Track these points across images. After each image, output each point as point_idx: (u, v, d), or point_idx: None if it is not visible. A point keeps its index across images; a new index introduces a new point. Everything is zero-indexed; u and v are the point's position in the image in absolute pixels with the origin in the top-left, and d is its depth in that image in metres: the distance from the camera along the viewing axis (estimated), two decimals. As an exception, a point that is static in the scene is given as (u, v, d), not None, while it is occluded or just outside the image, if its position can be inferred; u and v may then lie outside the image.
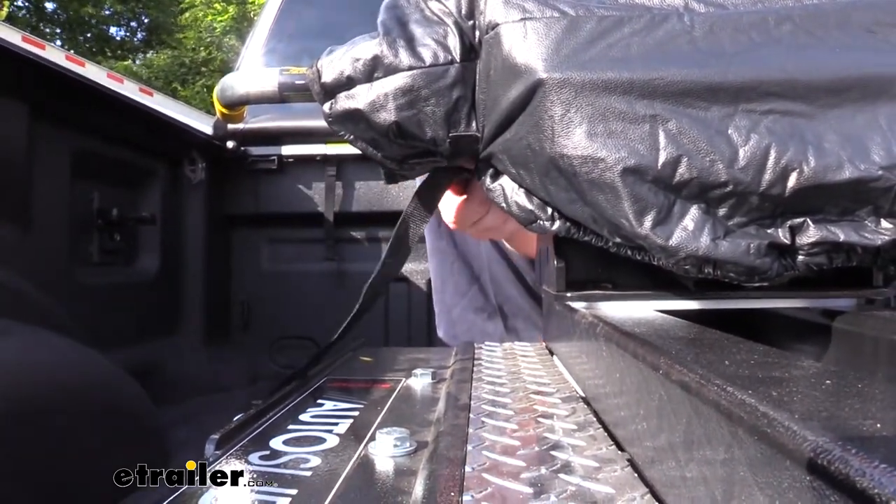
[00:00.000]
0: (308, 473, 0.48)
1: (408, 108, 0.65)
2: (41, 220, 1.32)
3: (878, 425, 0.22)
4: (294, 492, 0.45)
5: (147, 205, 1.73)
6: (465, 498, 0.39)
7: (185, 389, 1.78)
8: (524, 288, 1.30)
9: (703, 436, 0.31)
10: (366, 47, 0.67)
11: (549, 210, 0.66)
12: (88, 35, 15.62)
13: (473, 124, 0.66)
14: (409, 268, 2.06)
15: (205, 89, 13.58)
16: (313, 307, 2.03)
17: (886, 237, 0.58)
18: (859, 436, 0.21)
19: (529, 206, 0.66)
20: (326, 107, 0.68)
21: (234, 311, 2.15)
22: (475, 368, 0.83)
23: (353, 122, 0.68)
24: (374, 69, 0.66)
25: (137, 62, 15.05)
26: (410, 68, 0.65)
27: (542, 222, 0.66)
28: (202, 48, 14.28)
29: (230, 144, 1.99)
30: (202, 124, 2.02)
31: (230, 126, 1.91)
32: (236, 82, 0.76)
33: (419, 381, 0.79)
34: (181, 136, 1.82)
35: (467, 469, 0.44)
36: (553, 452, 0.48)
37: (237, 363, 2.06)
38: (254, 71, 0.76)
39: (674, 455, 0.36)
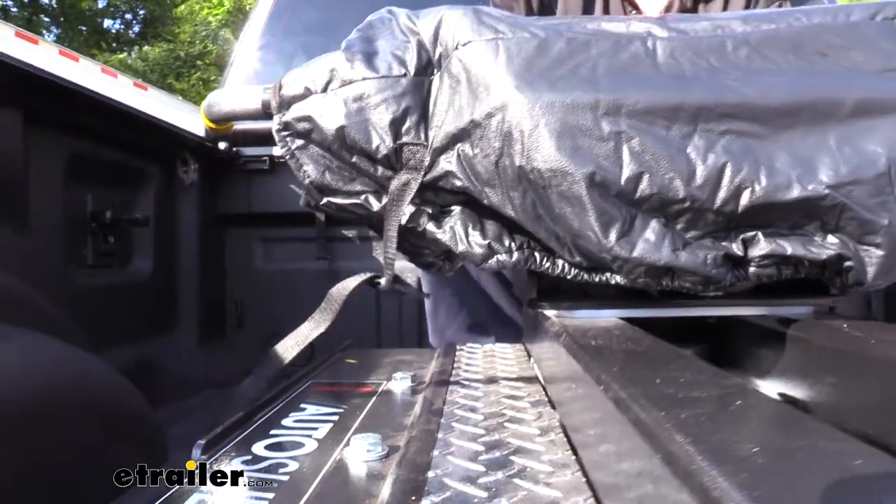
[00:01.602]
0: (285, 478, 0.52)
1: (356, 115, 0.67)
2: (36, 224, 1.35)
3: (755, 449, 0.26)
4: (271, 496, 0.48)
5: (140, 206, 1.76)
6: (425, 502, 0.42)
7: (182, 387, 1.81)
8: (514, 298, 1.34)
9: (631, 448, 0.34)
10: (325, 62, 0.70)
11: (507, 241, 0.69)
12: (83, 28, 15.58)
13: (422, 134, 0.68)
14: (399, 265, 2.09)
15: (200, 83, 13.56)
16: (307, 305, 2.06)
17: (831, 251, 0.62)
18: (732, 457, 0.24)
19: (486, 241, 0.69)
20: (278, 117, 0.71)
21: (229, 309, 2.18)
22: (454, 371, 0.86)
23: (300, 130, 0.70)
24: (330, 81, 0.69)
25: (133, 55, 15.02)
26: (364, 78, 0.68)
27: (499, 256, 0.69)
28: (198, 41, 14.25)
29: (222, 146, 2.01)
30: (194, 125, 2.05)
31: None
32: (222, 99, 0.79)
33: (399, 385, 0.82)
34: (173, 137, 1.84)
35: (431, 474, 0.47)
36: (513, 457, 0.51)
37: (232, 361, 2.09)
38: (239, 89, 0.79)
39: (612, 462, 0.39)
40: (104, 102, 1.49)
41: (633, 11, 1.32)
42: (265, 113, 0.76)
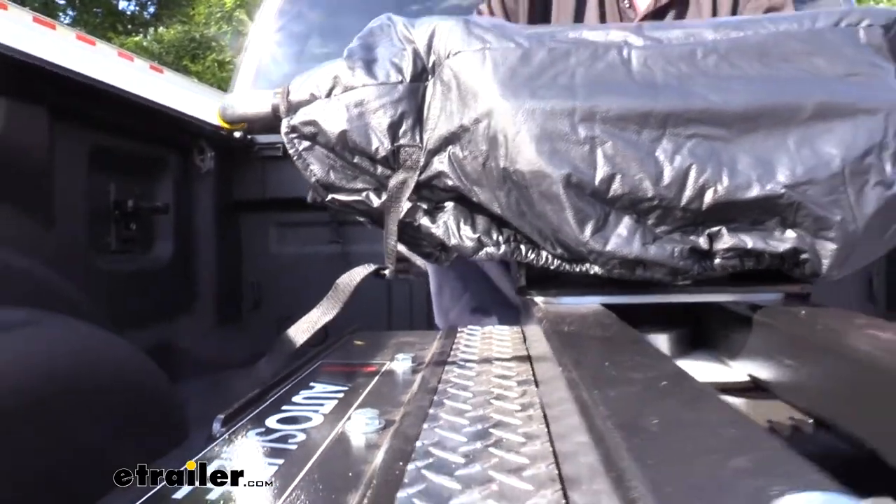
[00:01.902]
0: (294, 447, 0.59)
1: (357, 119, 0.74)
2: (63, 213, 1.44)
3: (655, 421, 0.32)
4: (281, 461, 0.56)
5: (160, 194, 1.84)
6: (410, 466, 0.49)
7: (200, 367, 1.91)
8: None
9: (576, 424, 0.41)
10: (328, 69, 0.77)
11: (496, 235, 0.75)
12: (98, 10, 15.67)
13: (418, 137, 0.74)
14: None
15: (215, 64, 13.66)
16: (320, 287, 2.14)
17: (789, 245, 0.67)
18: (635, 428, 0.31)
19: (476, 234, 0.75)
20: (286, 120, 0.77)
21: (245, 292, 2.27)
22: (452, 353, 0.93)
23: (307, 133, 0.77)
24: (333, 87, 0.76)
25: (148, 37, 15.12)
26: (364, 85, 0.74)
27: (488, 249, 0.75)
28: (212, 23, 14.31)
29: (237, 134, 2.09)
30: (209, 114, 2.12)
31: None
32: (236, 103, 0.86)
33: (401, 365, 0.89)
34: (190, 127, 1.91)
35: (418, 444, 0.54)
36: (492, 430, 0.58)
37: (248, 341, 2.18)
38: (250, 93, 0.85)
39: (571, 434, 0.46)
40: (123, 97, 1.56)
41: (626, 2, 1.36)
42: (275, 116, 0.83)
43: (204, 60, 14.01)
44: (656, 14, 1.34)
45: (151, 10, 16.95)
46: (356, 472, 0.52)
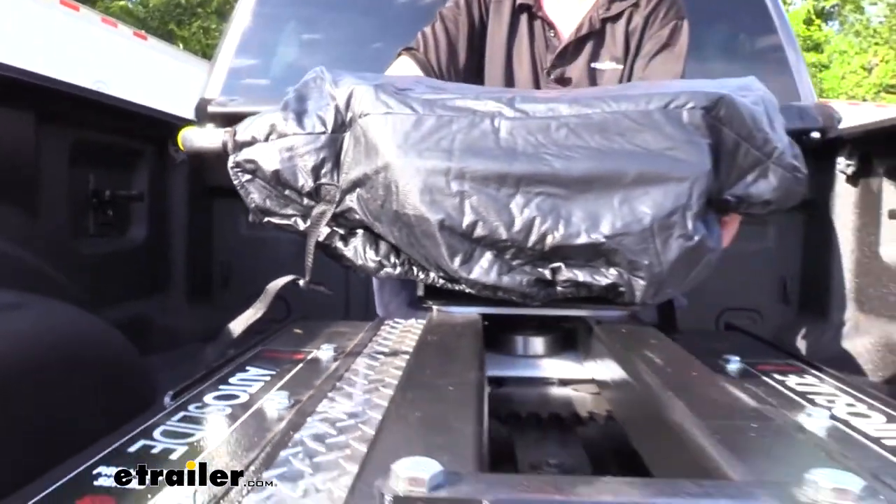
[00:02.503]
0: (221, 417, 0.80)
1: (287, 161, 0.94)
2: (46, 203, 1.61)
3: (419, 415, 0.53)
4: (205, 428, 0.76)
5: (136, 182, 2.02)
6: (297, 435, 0.70)
7: (172, 340, 2.10)
8: None
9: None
10: (267, 118, 0.96)
11: (393, 259, 0.96)
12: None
13: (335, 178, 0.94)
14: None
15: (201, 31, 13.61)
16: (283, 267, 2.33)
17: (610, 280, 0.89)
18: (398, 421, 0.52)
19: (378, 258, 0.96)
20: (232, 157, 0.97)
21: (215, 271, 2.45)
22: (369, 345, 1.14)
23: (248, 168, 0.97)
24: (270, 133, 0.95)
25: (133, 1, 14.97)
26: (295, 134, 0.94)
27: (387, 269, 0.96)
28: (199, -12, 14.21)
29: (210, 127, 2.25)
30: (184, 110, 2.28)
31: None
32: (194, 136, 1.05)
33: (324, 354, 1.09)
34: (164, 122, 2.08)
35: (309, 419, 0.75)
36: (369, 411, 0.79)
37: (217, 316, 2.37)
38: (205, 130, 1.04)
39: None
40: (103, 102, 1.73)
41: (552, 32, 1.54)
42: (224, 151, 1.02)
43: (190, 26, 13.93)
44: (578, 42, 1.52)
45: (137, -30, 16.70)
46: (260, 437, 0.73)
